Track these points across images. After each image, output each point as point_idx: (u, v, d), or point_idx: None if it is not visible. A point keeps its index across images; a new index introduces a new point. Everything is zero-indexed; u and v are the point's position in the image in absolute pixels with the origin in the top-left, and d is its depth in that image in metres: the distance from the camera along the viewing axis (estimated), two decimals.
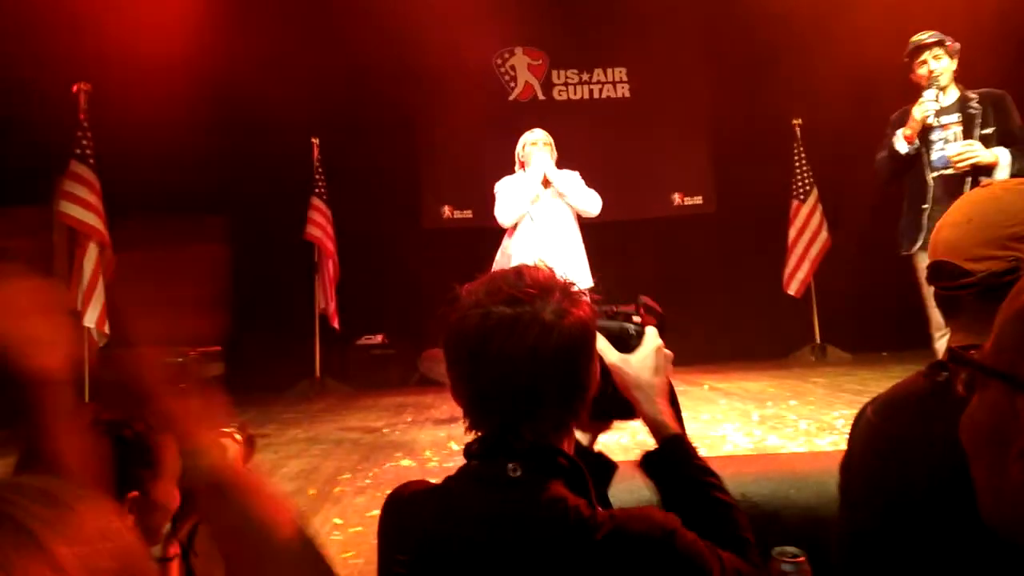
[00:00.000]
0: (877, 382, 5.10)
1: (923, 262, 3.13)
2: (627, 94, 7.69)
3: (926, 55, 3.32)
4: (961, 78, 3.38)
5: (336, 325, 6.59)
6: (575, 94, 7.68)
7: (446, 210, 7.41)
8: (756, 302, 6.80)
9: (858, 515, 1.03)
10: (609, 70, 7.70)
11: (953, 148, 3.18)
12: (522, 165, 4.34)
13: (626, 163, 6.92)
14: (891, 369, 5.76)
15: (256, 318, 6.56)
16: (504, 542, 0.86)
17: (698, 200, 7.60)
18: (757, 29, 6.51)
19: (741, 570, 0.91)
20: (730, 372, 6.28)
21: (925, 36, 3.35)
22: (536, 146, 4.26)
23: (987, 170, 3.12)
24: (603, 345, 1.01)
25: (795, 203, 6.87)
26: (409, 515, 0.93)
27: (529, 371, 0.86)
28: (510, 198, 4.26)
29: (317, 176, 6.76)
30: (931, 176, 3.26)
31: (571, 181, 4.25)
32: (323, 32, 6.60)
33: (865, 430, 1.05)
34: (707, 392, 5.34)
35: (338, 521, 2.65)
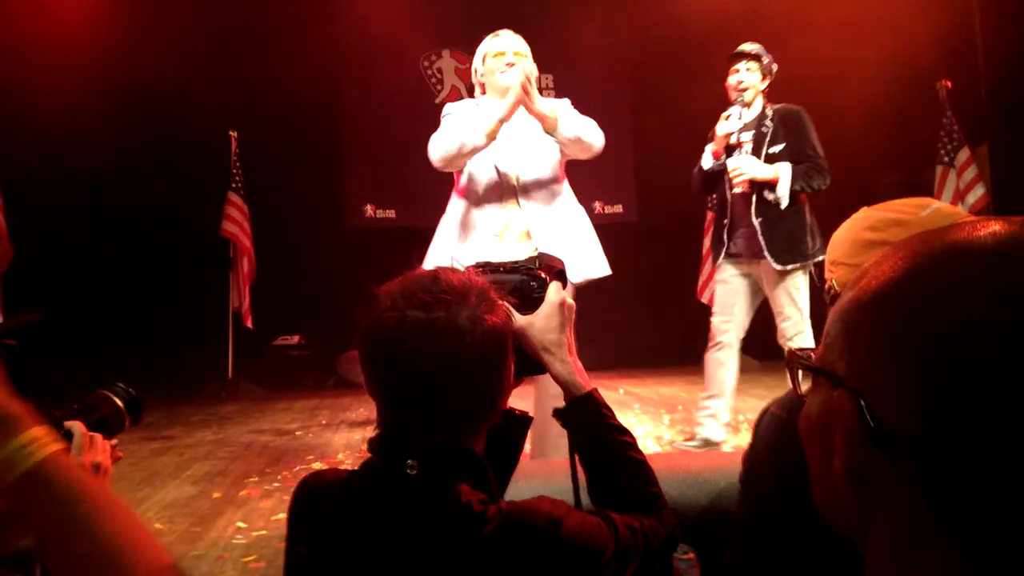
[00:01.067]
0: (782, 388, 5.33)
1: (726, 272, 3.36)
2: (553, 99, 7.78)
3: (741, 64, 3.32)
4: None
5: (250, 324, 6.38)
6: None
7: (368, 209, 7.31)
8: (673, 310, 6.99)
9: (763, 505, 1.08)
10: (539, 77, 7.79)
11: (729, 163, 3.27)
12: (482, 88, 2.86)
13: None
14: None
15: (167, 316, 6.32)
16: (396, 538, 0.87)
17: (619, 209, 7.77)
18: (679, 41, 6.72)
19: (648, 531, 0.94)
20: (645, 377, 6.43)
21: (747, 46, 3.37)
22: (502, 60, 2.73)
23: (771, 186, 3.22)
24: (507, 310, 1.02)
25: (710, 214, 7.11)
26: (310, 507, 0.94)
27: (441, 377, 0.86)
28: (456, 126, 2.64)
29: (235, 171, 6.55)
30: (730, 193, 3.35)
31: (563, 109, 2.81)
32: (246, 25, 6.40)
33: (770, 423, 1.12)
34: (622, 396, 5.45)
35: (242, 525, 2.58)
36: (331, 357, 6.93)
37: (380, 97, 7.16)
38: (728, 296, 3.39)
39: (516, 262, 1.12)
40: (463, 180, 2.77)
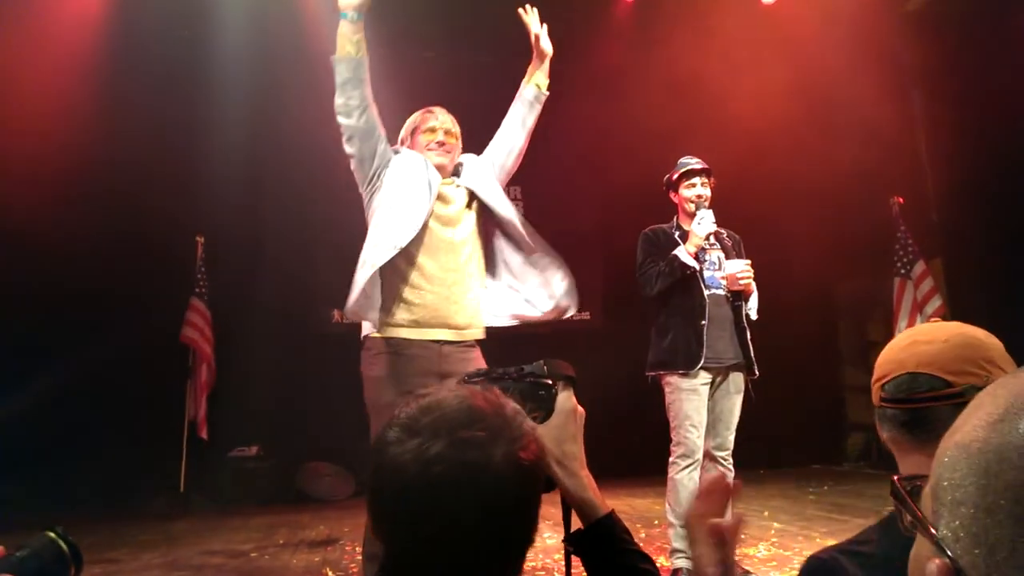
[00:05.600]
0: (758, 500, 5.22)
1: (700, 379, 3.17)
2: (522, 211, 7.93)
3: (696, 179, 3.41)
4: None
5: (204, 435, 6.10)
6: None
7: (335, 315, 7.21)
8: (644, 420, 6.90)
9: None
10: (506, 188, 7.97)
11: (736, 265, 3.32)
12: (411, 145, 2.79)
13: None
14: (767, 486, 5.93)
15: (114, 425, 6.01)
16: None
17: (586, 316, 7.80)
18: (646, 150, 6.97)
19: None
20: (618, 489, 6.25)
21: (694, 162, 3.46)
22: (432, 137, 2.72)
23: (747, 296, 3.35)
24: None
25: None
26: None
27: (473, 524, 0.76)
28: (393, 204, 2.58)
29: (199, 276, 6.44)
30: (706, 294, 3.31)
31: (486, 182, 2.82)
32: (218, 128, 6.46)
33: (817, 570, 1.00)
34: None
35: None
36: (291, 469, 6.62)
37: (349, 205, 7.19)
38: (699, 406, 3.23)
39: (522, 368, 1.06)
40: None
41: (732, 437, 3.29)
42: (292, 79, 6.79)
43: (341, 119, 2.60)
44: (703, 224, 3.30)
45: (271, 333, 6.58)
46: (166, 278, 6.30)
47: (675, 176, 3.48)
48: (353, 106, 2.56)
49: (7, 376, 5.51)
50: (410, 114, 2.84)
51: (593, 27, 6.99)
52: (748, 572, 3.24)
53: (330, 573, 3.57)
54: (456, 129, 2.79)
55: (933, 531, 0.43)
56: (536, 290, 2.75)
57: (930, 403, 0.96)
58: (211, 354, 6.32)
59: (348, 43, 2.52)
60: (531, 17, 2.81)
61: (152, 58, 6.22)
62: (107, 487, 5.82)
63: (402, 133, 2.81)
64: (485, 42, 6.85)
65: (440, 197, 2.61)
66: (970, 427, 0.43)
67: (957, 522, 0.41)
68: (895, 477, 0.51)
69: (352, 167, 2.67)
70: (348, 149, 2.63)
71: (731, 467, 3.29)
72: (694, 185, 3.41)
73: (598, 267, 7.81)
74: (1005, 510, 0.39)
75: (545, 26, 2.81)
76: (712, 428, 3.27)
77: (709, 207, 3.38)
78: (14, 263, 5.63)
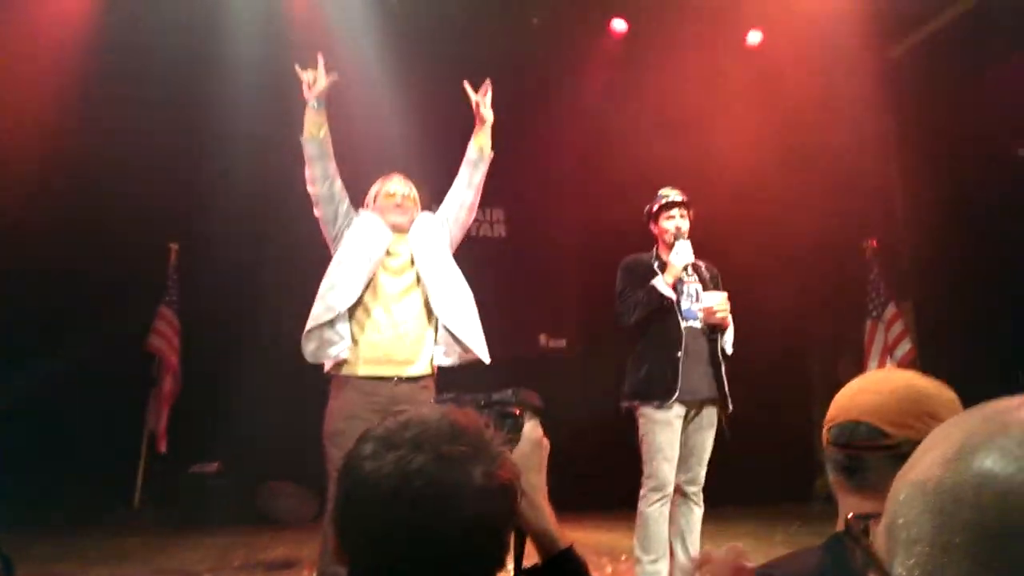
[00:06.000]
0: (726, 538, 5.17)
1: (674, 412, 3.10)
2: (503, 233, 7.94)
3: (675, 211, 3.42)
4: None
5: (162, 448, 5.93)
6: None
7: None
8: (615, 451, 6.85)
9: None
10: (488, 209, 7.96)
11: (714, 297, 3.31)
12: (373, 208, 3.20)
13: (498, 301, 6.97)
14: (737, 524, 5.90)
15: (68, 431, 5.82)
16: None
17: (562, 343, 7.78)
18: (629, 181, 7.01)
19: None
20: (584, 521, 6.17)
21: (673, 194, 3.47)
22: (392, 200, 3.13)
23: (723, 329, 3.36)
24: None
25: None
26: None
27: (451, 539, 0.74)
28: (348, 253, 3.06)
29: (170, 284, 6.32)
30: (683, 325, 3.29)
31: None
32: (194, 134, 6.37)
33: None
34: None
35: None
36: (251, 488, 6.45)
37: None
38: (673, 440, 3.18)
39: (490, 396, 1.02)
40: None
41: (704, 472, 3.27)
42: (275, 85, 6.73)
43: (309, 188, 3.09)
44: (681, 255, 3.31)
45: (241, 348, 6.44)
46: (135, 284, 6.16)
47: (655, 207, 3.48)
48: (318, 176, 3.05)
49: None
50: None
51: (581, 58, 7.07)
52: None
53: None
54: (413, 193, 3.23)
55: (886, 570, 0.44)
56: (470, 336, 3.09)
57: (866, 451, 0.99)
58: (177, 365, 6.18)
59: (313, 126, 3.04)
60: (470, 90, 3.28)
61: (131, 57, 6.12)
62: (58, 497, 5.61)
63: (368, 197, 3.25)
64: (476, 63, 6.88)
65: (389, 252, 3.06)
66: (924, 466, 0.45)
67: (912, 560, 0.42)
68: (849, 515, 0.52)
69: (321, 227, 3.16)
70: (316, 212, 3.12)
71: (701, 503, 3.26)
72: (672, 217, 3.42)
73: (574, 295, 7.79)
74: (961, 548, 0.40)
75: (489, 94, 3.29)
76: (684, 463, 3.22)
77: (688, 239, 3.38)
78: None
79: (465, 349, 3.04)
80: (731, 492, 6.77)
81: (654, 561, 3.10)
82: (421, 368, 2.98)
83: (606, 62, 7.21)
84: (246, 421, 6.26)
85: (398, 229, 3.09)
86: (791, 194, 6.51)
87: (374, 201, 3.19)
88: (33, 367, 5.73)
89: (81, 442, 5.79)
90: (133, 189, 5.95)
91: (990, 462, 0.41)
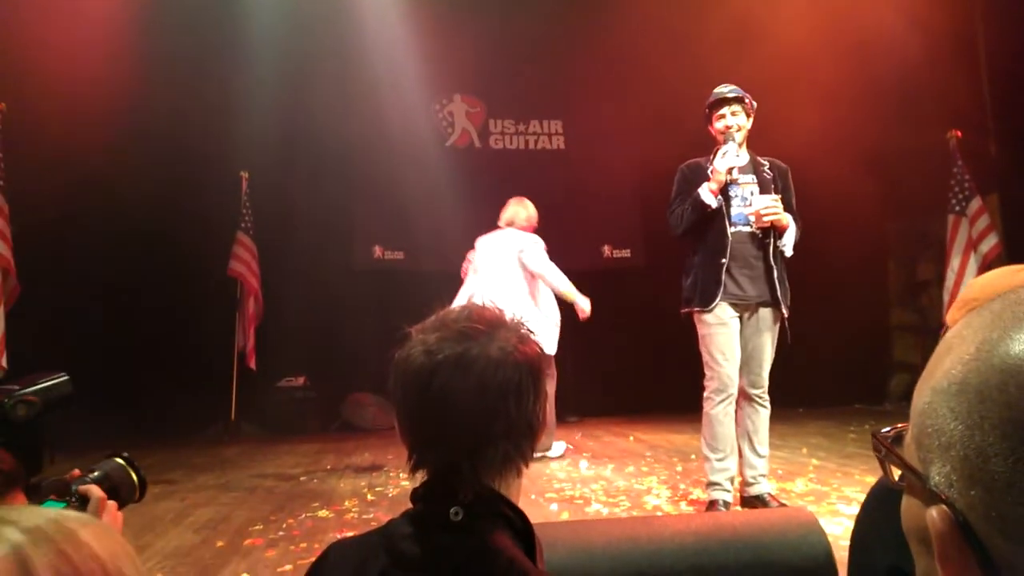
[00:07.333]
0: (797, 437, 5.23)
1: (726, 313, 3.10)
2: (562, 146, 7.84)
3: (725, 109, 3.24)
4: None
5: (252, 365, 6.31)
6: (511, 143, 7.78)
7: (377, 250, 7.30)
8: (683, 356, 6.90)
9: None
10: (545, 122, 7.85)
11: (762, 201, 3.15)
12: None
13: (559, 214, 6.99)
14: (807, 424, 5.93)
15: (170, 356, 6.26)
16: None
17: (626, 253, 7.76)
18: (688, 85, 6.77)
19: None
20: (656, 424, 6.32)
21: (727, 90, 3.27)
22: None
23: (780, 232, 3.18)
24: None
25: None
26: (347, 557, 0.90)
27: (473, 407, 0.84)
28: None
29: (244, 211, 6.56)
30: (731, 231, 3.18)
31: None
32: (261, 66, 6.46)
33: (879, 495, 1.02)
34: (633, 444, 5.34)
35: None
36: (336, 400, 6.84)
37: (391, 139, 7.21)
38: (730, 340, 3.16)
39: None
40: None
41: (766, 375, 3.22)
42: (332, 16, 6.72)
43: None
44: (726, 158, 3.14)
45: (315, 268, 6.72)
46: (213, 213, 6.42)
47: (707, 108, 3.30)
48: None
49: (70, 312, 5.75)
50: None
51: None
52: (783, 504, 3.26)
53: (371, 496, 3.72)
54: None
55: (923, 479, 0.42)
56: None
57: None
58: (258, 287, 6.48)
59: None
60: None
61: (192, 6, 6.21)
62: (162, 415, 6.09)
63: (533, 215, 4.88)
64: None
65: None
66: (944, 370, 0.43)
67: (948, 467, 0.41)
68: (874, 432, 0.50)
69: None
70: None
71: (767, 404, 3.23)
72: (724, 116, 3.23)
73: (637, 204, 7.70)
74: (995, 447, 0.38)
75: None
76: (745, 366, 3.20)
77: (739, 140, 3.20)
78: (70, 203, 5.80)
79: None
80: (804, 393, 6.79)
81: (722, 459, 3.15)
82: None
83: None
84: (327, 338, 6.59)
85: None
86: (866, 84, 6.15)
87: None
88: (125, 296, 6.14)
89: (178, 363, 6.23)
90: (201, 127, 6.13)
91: (1012, 354, 0.39)
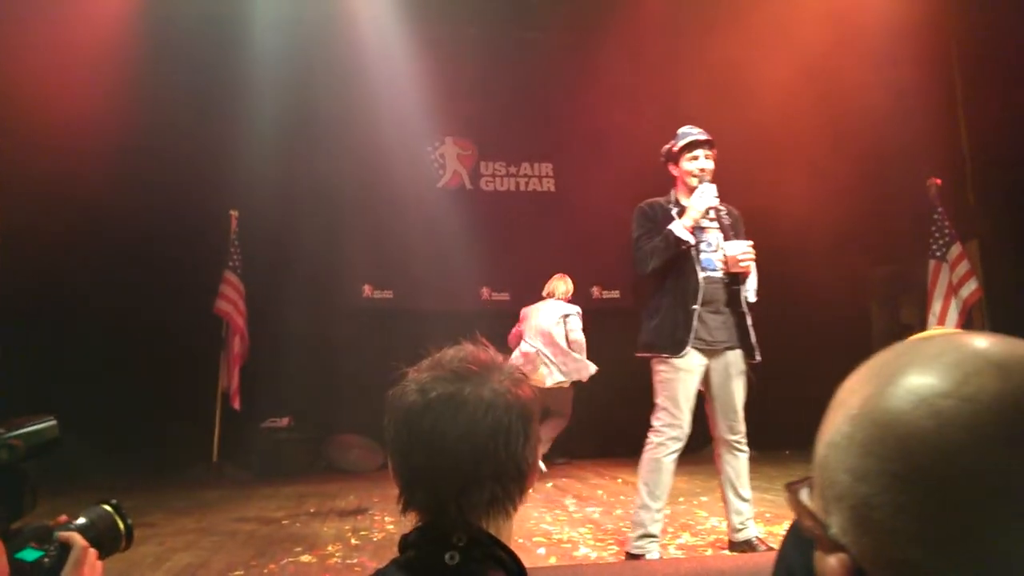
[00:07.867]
0: (783, 479, 5.18)
1: (694, 360, 3.00)
2: (552, 188, 7.93)
3: (699, 151, 3.18)
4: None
5: (236, 405, 6.23)
6: (502, 185, 7.86)
7: (366, 289, 7.30)
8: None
9: None
10: (536, 164, 7.95)
11: (738, 246, 3.09)
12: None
13: (549, 255, 7.05)
14: (793, 466, 5.90)
15: (152, 395, 6.17)
16: None
17: (615, 294, 7.79)
18: (668, 138, 6.90)
19: None
20: (629, 466, 6.26)
21: (696, 132, 3.22)
22: None
23: (745, 278, 3.15)
24: None
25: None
26: None
27: (462, 447, 0.84)
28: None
29: (232, 249, 6.55)
30: (701, 276, 3.10)
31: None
32: (254, 106, 6.53)
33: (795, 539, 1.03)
34: (620, 486, 5.29)
35: None
36: (320, 441, 6.76)
37: (383, 180, 7.27)
38: (689, 389, 3.05)
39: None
40: None
41: (741, 419, 3.13)
42: (326, 58, 6.84)
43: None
44: (704, 197, 3.08)
45: (303, 307, 6.69)
46: (201, 252, 6.42)
47: (676, 147, 3.24)
48: None
49: (53, 346, 5.69)
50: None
51: (635, 9, 6.96)
52: (771, 548, 3.23)
53: (354, 541, 3.66)
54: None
55: (825, 528, 0.44)
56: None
57: None
58: (244, 326, 6.44)
59: None
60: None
61: (186, 37, 6.29)
62: (144, 456, 5.99)
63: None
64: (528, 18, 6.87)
65: None
66: (836, 425, 0.45)
67: (842, 516, 0.43)
68: (787, 484, 0.51)
69: None
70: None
71: (746, 449, 3.17)
72: (697, 158, 3.17)
73: (626, 246, 7.75)
74: (877, 498, 0.40)
75: None
76: (721, 413, 3.13)
77: (711, 181, 3.15)
78: (57, 234, 5.78)
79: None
80: (790, 435, 6.76)
81: (660, 509, 3.03)
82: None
83: (663, 12, 7.09)
84: (313, 378, 6.53)
85: None
86: (848, 133, 6.30)
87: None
88: (113, 337, 6.08)
89: (161, 402, 6.14)
90: (192, 165, 6.17)
91: (890, 410, 0.42)
